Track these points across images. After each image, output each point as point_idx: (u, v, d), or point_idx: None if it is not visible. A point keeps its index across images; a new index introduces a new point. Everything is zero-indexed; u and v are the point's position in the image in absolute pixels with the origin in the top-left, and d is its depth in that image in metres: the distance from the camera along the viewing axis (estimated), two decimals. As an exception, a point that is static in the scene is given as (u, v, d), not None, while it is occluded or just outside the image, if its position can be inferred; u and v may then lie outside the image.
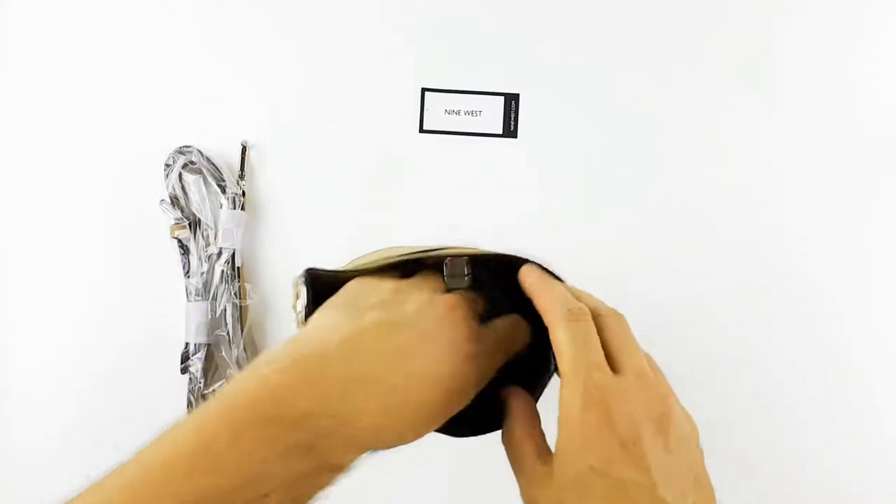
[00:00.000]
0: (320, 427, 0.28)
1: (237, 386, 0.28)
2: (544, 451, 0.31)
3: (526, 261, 0.35)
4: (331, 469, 0.28)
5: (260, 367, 0.29)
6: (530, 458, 0.31)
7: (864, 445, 0.55)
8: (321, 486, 0.28)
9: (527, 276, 0.34)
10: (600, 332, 0.31)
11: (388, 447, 0.30)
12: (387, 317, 0.31)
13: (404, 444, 0.30)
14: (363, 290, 0.34)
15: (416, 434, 0.31)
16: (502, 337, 0.34)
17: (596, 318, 0.31)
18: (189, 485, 0.25)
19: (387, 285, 0.34)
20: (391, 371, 0.30)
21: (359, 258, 0.49)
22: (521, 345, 0.35)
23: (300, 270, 0.35)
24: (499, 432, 0.34)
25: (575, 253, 0.50)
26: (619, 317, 0.33)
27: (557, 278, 0.35)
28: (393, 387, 0.30)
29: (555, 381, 0.31)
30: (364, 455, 0.29)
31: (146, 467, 0.26)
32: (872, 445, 0.55)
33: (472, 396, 0.32)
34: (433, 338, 0.32)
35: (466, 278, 0.35)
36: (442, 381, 0.32)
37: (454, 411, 0.32)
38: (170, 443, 0.27)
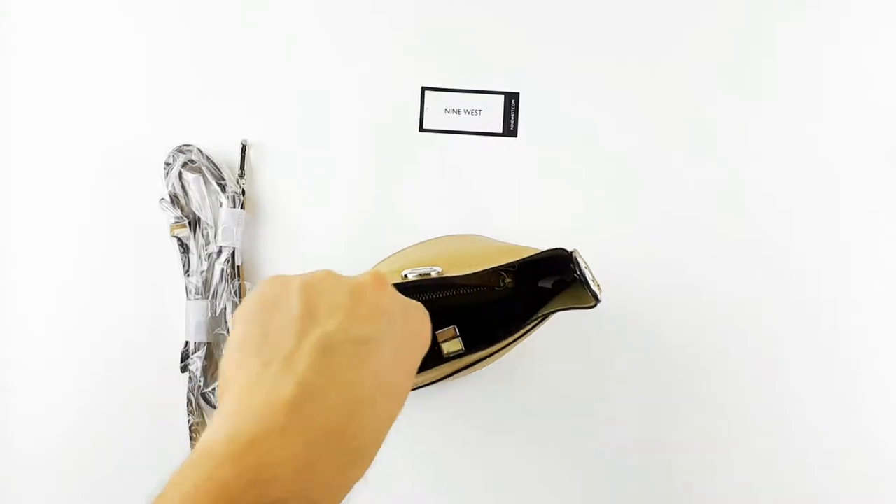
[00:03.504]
0: None
1: (182, 487, 0.23)
2: None
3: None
4: None
5: (203, 460, 0.24)
6: None
7: (862, 444, 0.55)
8: None
9: None
10: None
11: None
12: (326, 338, 0.27)
13: None
14: (276, 304, 0.29)
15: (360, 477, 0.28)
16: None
17: None
18: None
19: (295, 286, 0.29)
20: (353, 411, 0.26)
21: (376, 265, 0.50)
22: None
23: None
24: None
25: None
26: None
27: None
28: (351, 436, 0.26)
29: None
30: None
31: None
32: (871, 446, 0.55)
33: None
34: (391, 325, 0.29)
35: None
36: (395, 411, 0.29)
37: None
38: None
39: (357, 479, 0.27)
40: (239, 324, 0.29)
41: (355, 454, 0.26)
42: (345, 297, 0.29)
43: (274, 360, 0.26)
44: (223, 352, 0.29)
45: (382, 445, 0.28)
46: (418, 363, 0.30)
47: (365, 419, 0.27)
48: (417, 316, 0.31)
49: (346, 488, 0.26)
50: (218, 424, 0.25)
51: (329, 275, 0.30)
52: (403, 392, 0.29)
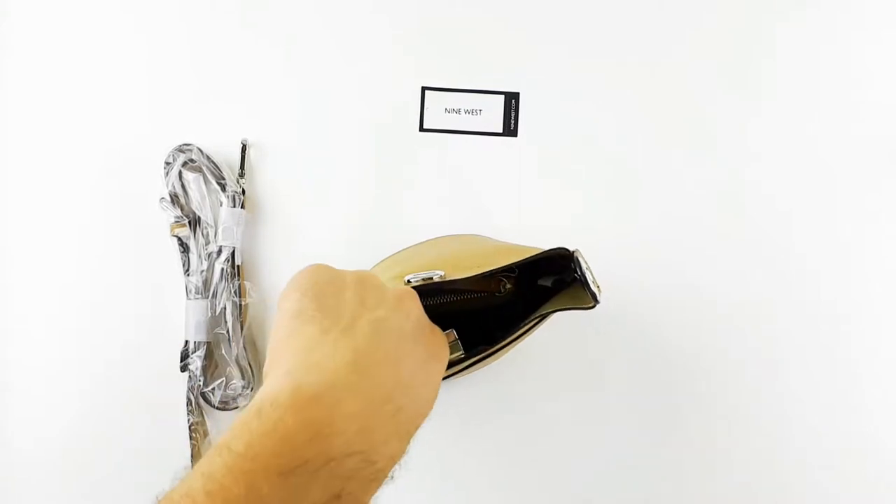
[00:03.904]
0: (346, 470, 0.24)
1: (245, 437, 0.24)
2: None
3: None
4: None
5: (266, 411, 0.24)
6: None
7: (862, 444, 0.55)
8: None
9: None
10: None
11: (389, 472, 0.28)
12: (377, 322, 0.29)
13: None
14: (330, 285, 0.31)
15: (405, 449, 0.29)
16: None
17: None
18: None
19: (349, 277, 0.32)
20: (399, 385, 0.28)
21: (376, 266, 0.50)
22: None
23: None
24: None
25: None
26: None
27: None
28: (402, 405, 0.28)
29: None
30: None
31: None
32: (871, 446, 0.55)
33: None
34: (422, 334, 0.32)
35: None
36: (437, 382, 0.32)
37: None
38: None
39: (403, 452, 0.28)
40: (290, 300, 0.30)
41: (402, 426, 0.28)
42: (390, 296, 0.32)
43: (333, 328, 0.28)
44: (276, 321, 0.30)
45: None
46: (440, 377, 0.33)
47: (406, 397, 0.28)
48: (438, 334, 0.34)
49: (397, 458, 0.28)
50: (277, 381, 0.26)
51: (375, 276, 0.34)
52: (432, 394, 0.31)
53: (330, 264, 0.33)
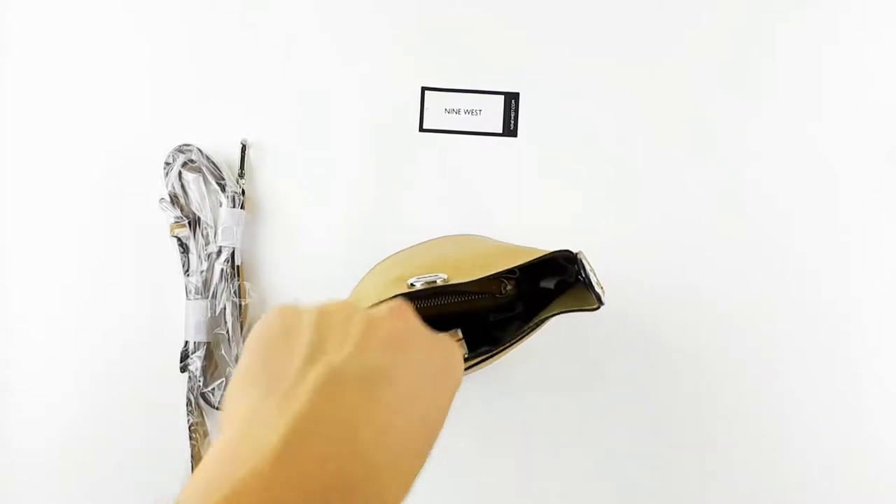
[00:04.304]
0: None
1: None
2: None
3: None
4: None
5: None
6: None
7: (862, 444, 0.55)
8: None
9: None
10: None
11: None
12: (332, 371, 0.24)
13: None
14: (285, 335, 0.26)
15: None
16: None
17: None
18: None
19: (308, 318, 0.26)
20: (359, 451, 0.22)
21: (365, 276, 0.50)
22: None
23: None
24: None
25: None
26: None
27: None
28: (352, 487, 0.22)
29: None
30: None
31: None
32: (871, 446, 0.55)
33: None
34: (415, 380, 0.25)
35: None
36: (416, 460, 0.25)
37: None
38: None
39: None
40: (244, 353, 0.26)
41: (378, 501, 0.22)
42: (358, 326, 0.26)
43: (275, 391, 0.23)
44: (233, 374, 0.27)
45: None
46: (448, 402, 0.27)
47: (369, 465, 0.22)
48: (445, 349, 0.28)
49: None
50: (201, 470, 0.22)
51: (346, 305, 0.28)
52: (426, 433, 0.26)
53: (302, 299, 0.29)
